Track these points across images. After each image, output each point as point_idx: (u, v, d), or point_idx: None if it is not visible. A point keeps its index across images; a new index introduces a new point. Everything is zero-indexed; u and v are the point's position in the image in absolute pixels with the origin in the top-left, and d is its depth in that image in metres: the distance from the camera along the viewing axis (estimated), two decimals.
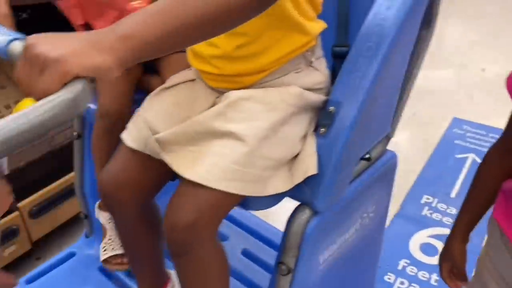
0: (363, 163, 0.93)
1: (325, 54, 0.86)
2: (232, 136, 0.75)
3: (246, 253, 1.31)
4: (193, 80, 0.85)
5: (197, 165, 0.74)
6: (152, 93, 0.87)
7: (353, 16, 0.88)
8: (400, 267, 1.58)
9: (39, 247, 1.64)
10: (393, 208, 1.81)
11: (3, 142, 0.40)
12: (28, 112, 0.43)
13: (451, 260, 0.91)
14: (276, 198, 0.85)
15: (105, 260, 1.18)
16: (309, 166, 0.79)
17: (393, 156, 0.99)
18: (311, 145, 0.80)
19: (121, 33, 0.50)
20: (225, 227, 1.37)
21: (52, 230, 1.64)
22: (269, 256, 1.30)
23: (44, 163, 1.61)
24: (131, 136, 0.83)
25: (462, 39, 3.05)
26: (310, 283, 0.91)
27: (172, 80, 0.87)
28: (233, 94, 0.78)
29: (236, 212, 1.42)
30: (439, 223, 1.74)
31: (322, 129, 0.80)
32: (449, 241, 0.92)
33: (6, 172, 1.49)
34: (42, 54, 0.47)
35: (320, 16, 0.82)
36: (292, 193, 0.84)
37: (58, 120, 0.44)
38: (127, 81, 1.07)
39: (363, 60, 0.78)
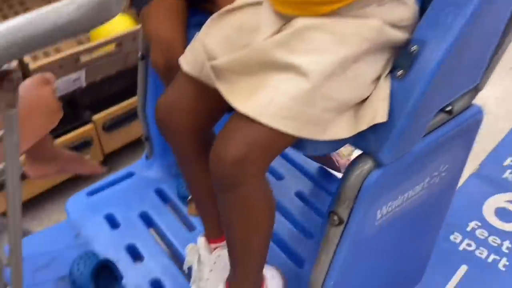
0: (442, 115, 0.81)
1: None
2: (294, 70, 0.67)
3: (299, 195, 1.27)
4: (260, 3, 0.76)
5: (252, 98, 0.68)
6: (214, 15, 0.79)
7: None
8: (469, 229, 1.49)
9: (111, 160, 1.73)
10: (470, 166, 1.69)
11: (27, 38, 0.35)
12: (48, 12, 0.37)
13: None
14: (335, 144, 0.78)
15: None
16: (378, 112, 0.70)
17: (479, 112, 0.86)
18: (384, 88, 0.70)
19: None
20: (281, 166, 1.33)
21: (124, 146, 1.70)
22: (323, 201, 1.25)
23: (119, 80, 1.66)
24: (187, 61, 0.78)
25: None
26: (363, 237, 0.85)
27: (238, 1, 0.79)
28: (300, 22, 0.68)
29: (294, 153, 1.37)
30: None
31: (400, 71, 0.70)
32: None
33: (84, 85, 1.53)
34: None
35: None
36: (354, 140, 0.76)
37: (82, 24, 0.39)
38: (175, 5, 0.99)
39: None
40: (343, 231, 0.81)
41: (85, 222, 1.19)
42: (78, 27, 0.39)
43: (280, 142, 0.70)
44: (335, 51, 0.67)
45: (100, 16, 0.40)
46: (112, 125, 1.63)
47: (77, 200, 1.24)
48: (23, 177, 1.03)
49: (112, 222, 1.20)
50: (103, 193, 1.28)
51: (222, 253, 0.97)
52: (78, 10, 0.39)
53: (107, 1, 0.40)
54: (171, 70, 0.95)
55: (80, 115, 1.60)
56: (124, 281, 1.05)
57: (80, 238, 1.16)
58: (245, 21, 0.76)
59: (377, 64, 0.71)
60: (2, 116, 0.34)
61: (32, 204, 1.56)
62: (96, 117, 1.59)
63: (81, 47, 1.46)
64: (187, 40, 0.98)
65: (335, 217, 0.80)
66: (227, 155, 0.67)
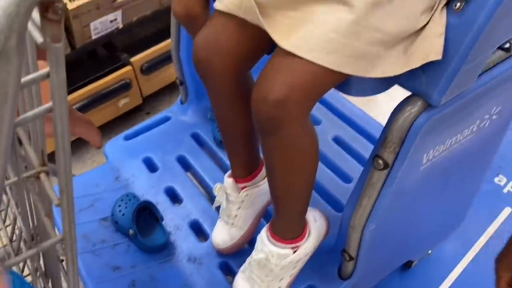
0: (500, 53, 0.76)
1: None
2: (336, 0, 0.62)
3: (337, 140, 1.24)
4: None
5: (294, 33, 0.64)
6: None
7: None
8: None
9: (149, 103, 1.75)
10: None
11: None
12: None
13: None
14: (383, 84, 0.74)
15: None
16: (432, 49, 0.65)
17: None
18: (439, 23, 0.65)
19: None
20: (318, 111, 1.30)
21: (162, 88, 1.70)
22: (363, 146, 1.22)
23: (155, 21, 1.64)
24: (223, 1, 0.73)
25: None
26: (408, 182, 0.82)
27: None
28: None
29: (332, 96, 1.32)
30: None
31: (458, 4, 0.64)
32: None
33: (120, 26, 1.51)
34: None
35: None
36: (404, 80, 0.72)
37: None
38: None
39: None
40: (387, 176, 0.79)
41: (124, 165, 1.21)
42: None
43: (324, 81, 0.66)
44: None
45: None
46: (150, 67, 1.62)
47: (115, 144, 1.25)
48: (85, 107, 0.99)
49: (151, 166, 1.21)
50: (141, 137, 1.29)
51: (249, 193, 0.98)
52: None
53: None
54: (192, 20, 0.91)
55: (118, 58, 1.59)
56: (163, 222, 1.08)
57: (120, 181, 1.18)
58: None
59: None
60: (48, 51, 0.32)
61: (74, 146, 1.60)
62: (134, 59, 1.58)
63: None
64: None
65: (380, 161, 0.77)
66: (269, 96, 0.65)
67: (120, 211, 1.08)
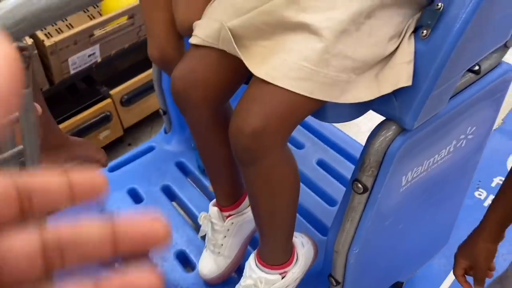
0: (470, 76, 0.78)
1: None
2: (306, 29, 0.64)
3: (321, 163, 1.25)
4: None
5: (267, 62, 0.65)
6: None
7: None
8: (494, 184, 1.49)
9: (131, 134, 1.74)
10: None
11: (25, 19, 0.34)
12: None
13: (472, 259, 0.79)
14: (357, 110, 0.75)
15: None
16: (401, 75, 0.67)
17: (508, 70, 0.82)
18: (408, 50, 0.67)
19: None
20: (301, 135, 1.31)
21: (143, 119, 1.70)
22: (346, 169, 1.23)
23: (133, 54, 1.65)
24: (199, 36, 0.74)
25: None
26: (388, 205, 0.83)
27: None
28: None
29: (314, 120, 1.34)
30: None
31: (424, 31, 0.66)
32: (474, 237, 0.79)
33: (99, 60, 1.52)
34: None
35: None
36: (377, 105, 0.73)
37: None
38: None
39: None
40: (367, 199, 0.80)
41: (109, 198, 1.20)
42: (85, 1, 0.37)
43: (299, 109, 0.67)
44: (347, 6, 0.63)
45: None
46: (129, 99, 1.63)
47: None
48: None
49: (135, 197, 1.21)
50: (125, 168, 1.28)
51: (235, 221, 0.98)
52: None
53: None
54: (168, 63, 0.93)
55: (97, 91, 1.59)
56: (149, 254, 1.07)
57: (104, 214, 1.17)
58: None
59: (393, 19, 0.67)
60: None
61: None
62: (113, 91, 1.58)
63: (93, 22, 1.44)
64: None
65: (359, 185, 0.78)
66: (245, 128, 0.66)
67: None
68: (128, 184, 1.23)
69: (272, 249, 0.87)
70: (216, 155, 0.90)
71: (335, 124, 1.35)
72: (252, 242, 1.06)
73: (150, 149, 1.33)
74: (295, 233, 0.91)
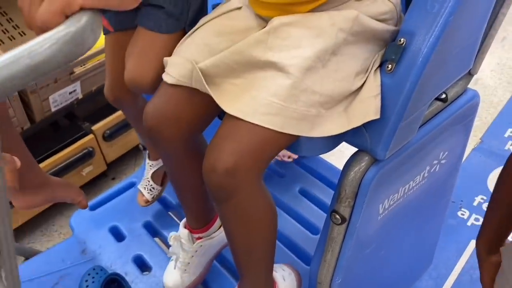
0: (437, 104, 0.80)
1: None
2: (274, 67, 0.66)
3: (303, 192, 1.26)
4: (239, 8, 0.75)
5: (238, 99, 0.67)
6: (192, 29, 0.78)
7: None
8: (475, 203, 1.50)
9: (114, 168, 1.74)
10: (473, 141, 1.70)
11: None
12: (19, 53, 0.36)
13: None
14: (331, 142, 0.77)
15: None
16: (370, 109, 0.68)
17: (475, 96, 0.84)
18: (374, 84, 0.69)
19: None
20: (283, 164, 1.32)
21: (126, 152, 1.71)
22: (328, 196, 1.24)
23: None
24: (172, 75, 0.76)
25: None
26: (367, 234, 0.84)
27: (215, 11, 0.77)
28: (276, 20, 0.68)
29: None
30: None
31: (389, 66, 0.68)
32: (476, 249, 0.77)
33: (80, 96, 1.53)
34: None
35: None
36: (350, 137, 0.75)
37: (56, 61, 0.37)
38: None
39: None
40: (346, 230, 0.81)
41: (91, 237, 1.19)
42: (54, 64, 0.38)
43: (271, 144, 0.68)
44: (311, 44, 0.65)
45: (75, 51, 0.39)
46: (112, 134, 1.63)
47: (80, 216, 1.24)
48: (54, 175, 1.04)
49: (117, 235, 1.20)
50: (106, 206, 1.28)
51: (204, 243, 1.00)
52: (51, 48, 0.38)
53: (80, 35, 0.39)
54: (121, 102, 1.05)
55: (79, 127, 1.60)
56: None
57: (87, 254, 1.16)
58: (226, 26, 0.75)
59: (359, 55, 0.69)
60: None
61: (41, 219, 1.57)
62: (95, 127, 1.59)
63: None
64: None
65: (337, 216, 0.79)
66: (219, 165, 0.66)
67: (87, 286, 1.05)
68: (109, 221, 1.22)
69: (252, 284, 0.87)
70: (187, 184, 0.92)
71: None
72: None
73: (131, 185, 1.32)
74: (276, 266, 0.91)
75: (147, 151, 1.25)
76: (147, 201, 1.21)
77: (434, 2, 0.64)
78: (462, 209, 1.49)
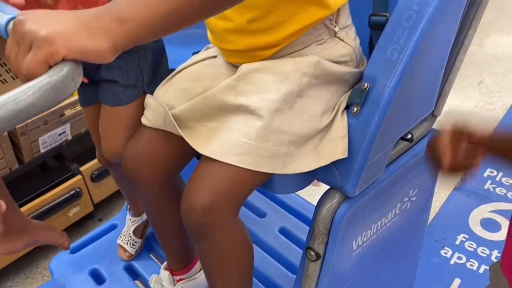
0: (404, 144, 0.85)
1: (361, 24, 0.78)
2: (245, 110, 0.71)
3: (283, 231, 1.28)
4: (215, 56, 0.81)
5: (211, 141, 0.72)
6: (170, 75, 0.84)
7: None
8: (458, 242, 1.52)
9: (101, 209, 1.75)
10: (453, 181, 1.72)
11: None
12: (5, 99, 0.41)
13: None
14: (303, 180, 0.80)
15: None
16: (337, 149, 0.73)
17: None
18: (342, 125, 0.74)
19: (117, 14, 0.46)
20: (263, 203, 1.34)
21: (113, 193, 1.72)
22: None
23: None
24: (148, 119, 0.81)
25: None
26: (343, 270, 0.86)
27: (193, 59, 0.84)
28: (245, 67, 0.74)
29: None
30: (503, 198, 1.66)
31: (355, 108, 0.73)
32: None
33: (69, 138, 1.57)
34: (30, 32, 0.44)
35: None
36: (320, 175, 0.79)
37: (38, 106, 0.42)
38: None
39: (402, 30, 0.70)
40: (321, 266, 0.83)
41: (70, 281, 1.18)
42: (36, 110, 0.42)
43: (246, 182, 0.72)
44: (278, 88, 0.71)
45: (56, 98, 0.43)
46: (99, 175, 1.65)
47: (60, 259, 1.23)
48: (36, 219, 1.06)
49: (97, 278, 1.20)
50: (87, 248, 1.27)
51: (185, 285, 1.00)
52: (34, 95, 0.42)
53: (61, 84, 0.43)
54: (112, 168, 1.13)
55: (67, 168, 1.62)
56: None
57: None
58: (202, 72, 0.81)
59: (323, 97, 0.74)
60: None
61: (23, 261, 1.56)
62: (83, 168, 1.61)
63: (64, 102, 1.50)
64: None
65: (312, 253, 0.82)
66: (196, 205, 0.70)
67: None
68: (90, 264, 1.22)
69: None
70: (166, 224, 0.95)
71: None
72: None
73: (113, 227, 1.33)
74: None
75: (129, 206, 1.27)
76: (130, 256, 1.22)
77: (393, 51, 0.70)
78: (445, 248, 1.51)
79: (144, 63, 0.92)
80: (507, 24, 2.62)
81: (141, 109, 0.88)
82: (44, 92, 0.42)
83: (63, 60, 0.44)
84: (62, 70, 0.44)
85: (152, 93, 0.89)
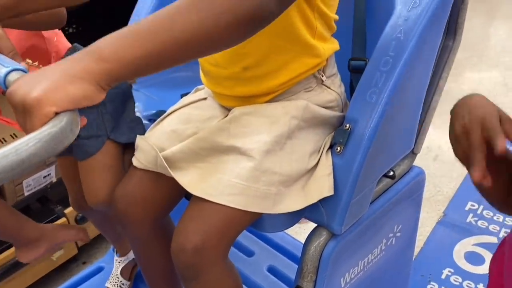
0: (386, 181, 0.88)
1: (342, 67, 0.83)
2: (237, 151, 0.73)
3: (271, 270, 1.28)
4: (205, 98, 0.84)
5: (203, 181, 0.73)
6: (162, 116, 0.87)
7: (371, 29, 0.83)
8: (443, 276, 1.53)
9: (86, 252, 1.72)
10: (436, 215, 1.76)
11: None
12: (7, 150, 0.42)
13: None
14: (291, 219, 0.82)
15: None
16: (324, 187, 0.75)
17: (420, 173, 0.93)
18: (327, 164, 0.77)
19: (97, 55, 0.48)
20: (251, 242, 1.35)
21: (98, 236, 1.70)
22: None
23: None
24: (139, 160, 0.83)
25: (509, 39, 2.88)
26: None
27: (183, 101, 0.86)
28: (237, 110, 0.77)
29: None
30: (485, 231, 1.67)
31: (338, 148, 0.76)
32: None
33: (54, 180, 1.56)
34: (21, 101, 0.47)
35: (336, 28, 0.79)
36: (308, 213, 0.81)
37: (39, 156, 0.44)
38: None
39: (380, 75, 0.74)
40: None
41: None
42: (37, 160, 0.44)
43: (236, 222, 0.74)
44: (269, 131, 0.74)
45: (56, 147, 0.46)
46: (84, 217, 1.63)
47: None
48: (18, 264, 1.03)
49: None
50: None
51: None
52: (35, 146, 0.44)
53: (61, 134, 0.46)
54: (86, 214, 1.15)
55: (52, 210, 1.60)
56: None
57: None
58: (192, 114, 0.83)
59: (311, 138, 0.77)
60: None
61: None
62: (68, 210, 1.60)
63: None
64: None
65: None
66: (186, 245, 0.71)
67: None
68: None
69: None
70: (155, 266, 0.94)
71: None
72: None
73: (99, 269, 1.32)
74: None
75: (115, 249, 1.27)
76: None
77: (372, 94, 0.74)
78: (431, 283, 1.52)
79: (102, 110, 0.93)
80: (479, 62, 2.74)
81: (112, 153, 0.91)
82: (44, 142, 0.44)
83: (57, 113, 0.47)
84: (61, 122, 0.46)
85: (117, 139, 0.92)
